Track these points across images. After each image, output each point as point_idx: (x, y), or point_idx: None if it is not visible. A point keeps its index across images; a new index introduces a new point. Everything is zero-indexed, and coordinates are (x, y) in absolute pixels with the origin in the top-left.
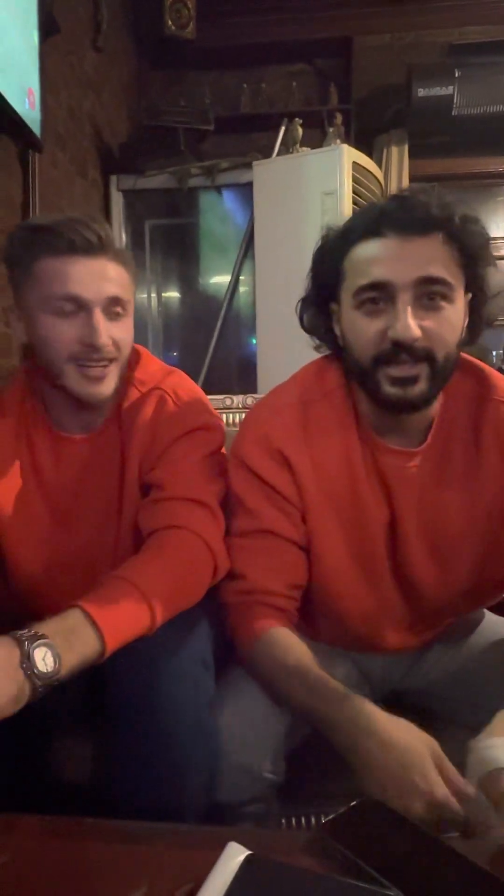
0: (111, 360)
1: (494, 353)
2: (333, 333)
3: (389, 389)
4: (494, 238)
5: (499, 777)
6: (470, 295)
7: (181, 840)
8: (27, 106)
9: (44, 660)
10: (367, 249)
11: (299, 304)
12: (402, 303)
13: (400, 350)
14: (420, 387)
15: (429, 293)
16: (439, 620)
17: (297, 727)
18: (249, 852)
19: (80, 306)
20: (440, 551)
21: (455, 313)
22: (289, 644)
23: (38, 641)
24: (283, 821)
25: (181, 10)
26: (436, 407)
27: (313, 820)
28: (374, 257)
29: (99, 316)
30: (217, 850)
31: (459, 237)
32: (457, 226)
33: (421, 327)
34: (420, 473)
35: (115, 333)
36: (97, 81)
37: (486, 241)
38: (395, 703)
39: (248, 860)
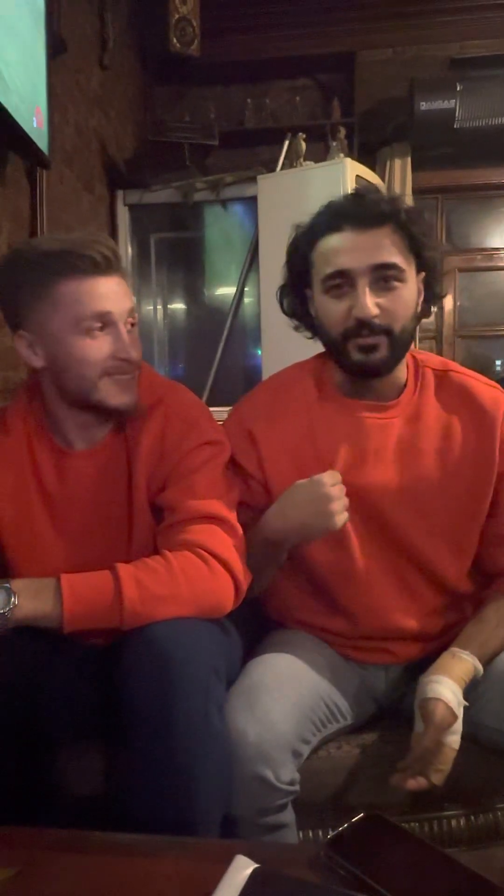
0: (136, 370)
1: (499, 362)
2: (310, 314)
3: (356, 356)
4: (497, 248)
5: (428, 703)
6: (423, 274)
7: (189, 853)
8: (35, 124)
9: None
10: (330, 242)
11: (279, 291)
12: (361, 286)
13: (362, 325)
14: (381, 353)
15: (384, 276)
16: (431, 586)
17: (311, 738)
18: (257, 865)
19: (107, 322)
20: (420, 502)
21: (408, 291)
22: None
23: None
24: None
25: (186, 28)
26: (405, 373)
27: (321, 833)
28: (336, 248)
29: (123, 329)
30: (225, 862)
31: (407, 226)
32: (403, 217)
33: (378, 305)
34: (397, 424)
35: (135, 345)
36: (104, 98)
37: (430, 228)
38: (399, 720)
39: (255, 873)
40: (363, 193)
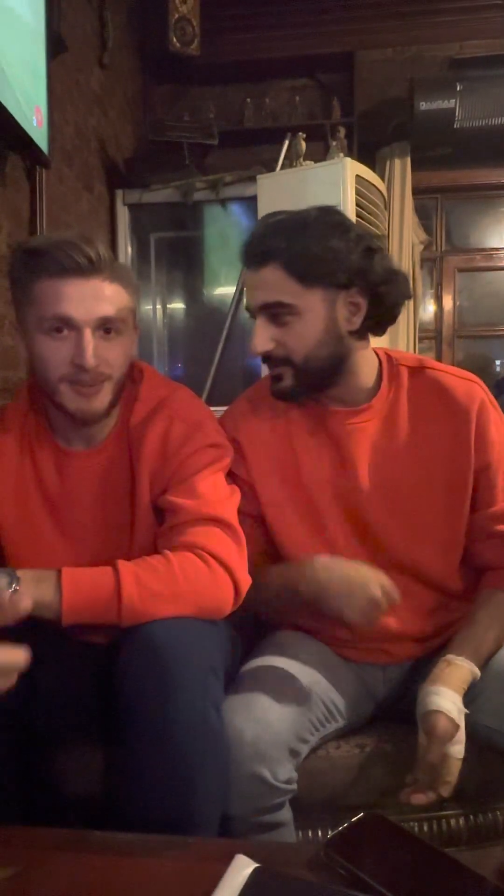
0: (103, 379)
1: (498, 362)
2: None
3: (270, 383)
4: (496, 248)
5: (429, 716)
6: (353, 289)
7: (189, 852)
8: (35, 123)
9: None
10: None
11: None
12: (257, 324)
13: (264, 359)
14: (286, 382)
15: (273, 313)
16: (420, 586)
17: (309, 738)
18: (257, 865)
19: (72, 327)
20: (401, 502)
21: (304, 323)
22: (262, 568)
23: (2, 571)
24: (299, 833)
25: (186, 28)
26: (373, 376)
27: (320, 833)
28: (246, 286)
29: (89, 336)
30: (225, 862)
31: (289, 261)
32: (284, 251)
33: (275, 339)
34: (372, 426)
35: (108, 353)
36: (103, 98)
37: (318, 254)
38: (398, 719)
39: (255, 873)
40: (254, 230)
